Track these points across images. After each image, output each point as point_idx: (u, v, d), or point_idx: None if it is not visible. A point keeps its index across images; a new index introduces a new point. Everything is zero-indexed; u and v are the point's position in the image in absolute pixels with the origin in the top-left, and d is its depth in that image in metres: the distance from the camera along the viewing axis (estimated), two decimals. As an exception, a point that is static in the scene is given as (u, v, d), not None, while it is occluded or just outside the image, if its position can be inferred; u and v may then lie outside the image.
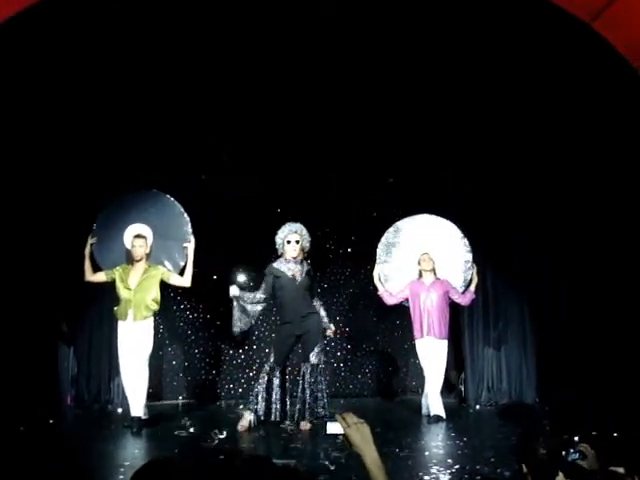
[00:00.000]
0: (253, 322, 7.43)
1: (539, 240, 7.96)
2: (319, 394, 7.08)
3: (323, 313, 7.37)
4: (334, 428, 2.25)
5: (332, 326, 7.48)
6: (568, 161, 7.49)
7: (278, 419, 7.09)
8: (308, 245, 7.30)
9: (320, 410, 7.04)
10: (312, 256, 7.54)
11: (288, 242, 7.18)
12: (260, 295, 7.22)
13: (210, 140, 8.12)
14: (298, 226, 7.26)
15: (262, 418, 7.01)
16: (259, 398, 7.04)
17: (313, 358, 7.07)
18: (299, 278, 7.17)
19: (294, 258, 7.18)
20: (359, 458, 2.19)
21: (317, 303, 7.34)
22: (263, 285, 7.26)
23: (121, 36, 6.67)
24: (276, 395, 7.09)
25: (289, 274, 7.16)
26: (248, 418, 6.96)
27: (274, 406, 7.08)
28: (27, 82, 6.67)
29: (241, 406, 7.72)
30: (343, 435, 2.23)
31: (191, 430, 6.80)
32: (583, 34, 6.03)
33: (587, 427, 5.06)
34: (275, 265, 7.26)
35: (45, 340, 7.59)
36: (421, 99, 7.74)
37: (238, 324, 7.19)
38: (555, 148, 7.56)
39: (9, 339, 7.10)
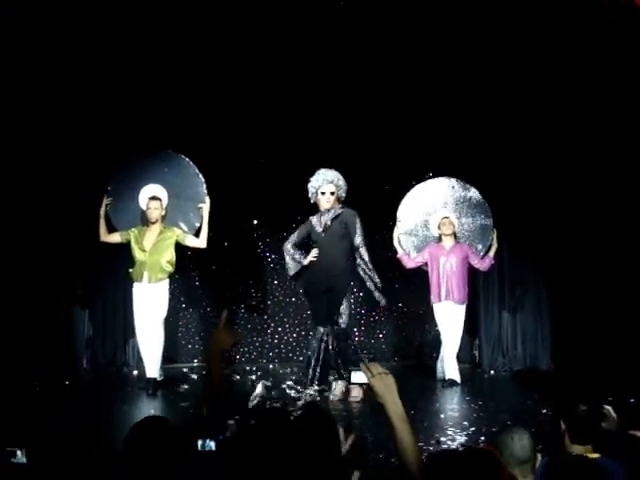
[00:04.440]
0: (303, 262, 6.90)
1: (556, 207, 7.87)
2: (341, 357, 6.66)
3: (372, 286, 6.79)
4: (359, 377, 2.23)
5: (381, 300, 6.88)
6: (586, 127, 7.40)
7: (307, 384, 6.74)
8: (344, 195, 6.86)
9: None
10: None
11: (322, 193, 6.74)
12: (292, 239, 6.95)
13: (226, 101, 7.99)
14: (334, 174, 6.78)
15: (317, 384, 6.66)
16: (312, 366, 6.69)
17: (340, 321, 6.68)
18: (326, 227, 6.75)
19: (328, 210, 6.77)
20: (382, 409, 2.17)
21: (362, 257, 6.73)
22: (297, 232, 7.00)
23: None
24: (325, 357, 6.67)
25: (319, 229, 6.80)
26: (263, 386, 6.60)
27: (305, 372, 6.81)
28: (42, 46, 6.62)
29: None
30: (367, 385, 2.20)
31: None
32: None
33: (602, 393, 5.06)
34: (313, 219, 6.90)
35: (60, 302, 7.62)
36: (441, 64, 7.59)
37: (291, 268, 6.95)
38: (575, 114, 7.45)
39: (25, 302, 7.14)
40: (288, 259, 7.00)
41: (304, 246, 7.03)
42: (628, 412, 3.87)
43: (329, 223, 6.75)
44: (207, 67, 7.57)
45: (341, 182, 6.76)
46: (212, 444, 2.94)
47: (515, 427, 3.07)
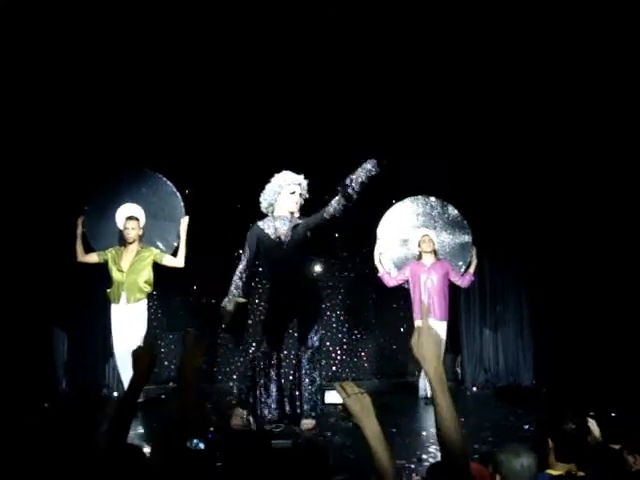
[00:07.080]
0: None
1: (537, 223, 7.89)
2: (316, 385, 5.78)
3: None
4: (333, 397, 2.18)
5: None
6: (566, 143, 7.45)
7: (275, 418, 5.98)
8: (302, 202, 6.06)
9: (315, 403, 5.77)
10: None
11: (292, 193, 5.87)
12: (244, 261, 5.96)
13: (202, 119, 7.94)
14: (300, 177, 5.99)
15: (256, 417, 5.96)
16: (251, 394, 6.02)
17: (312, 340, 6.02)
18: (286, 238, 5.85)
19: (291, 213, 5.92)
20: (359, 430, 2.11)
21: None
22: (246, 247, 6.03)
23: (120, 18, 6.59)
24: (273, 389, 6.01)
25: (273, 235, 5.87)
26: (241, 416, 5.99)
27: (272, 404, 5.98)
28: (23, 60, 6.59)
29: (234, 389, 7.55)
30: (342, 405, 2.14)
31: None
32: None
33: (584, 408, 5.05)
34: (260, 224, 6.00)
35: (39, 324, 7.51)
36: (419, 81, 7.61)
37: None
38: (554, 129, 7.50)
39: (2, 323, 7.04)
40: (233, 285, 6.02)
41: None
42: (610, 426, 3.84)
43: (290, 232, 5.87)
44: (183, 86, 7.55)
45: (306, 187, 6.03)
46: (201, 444, 2.88)
47: (525, 451, 2.96)
